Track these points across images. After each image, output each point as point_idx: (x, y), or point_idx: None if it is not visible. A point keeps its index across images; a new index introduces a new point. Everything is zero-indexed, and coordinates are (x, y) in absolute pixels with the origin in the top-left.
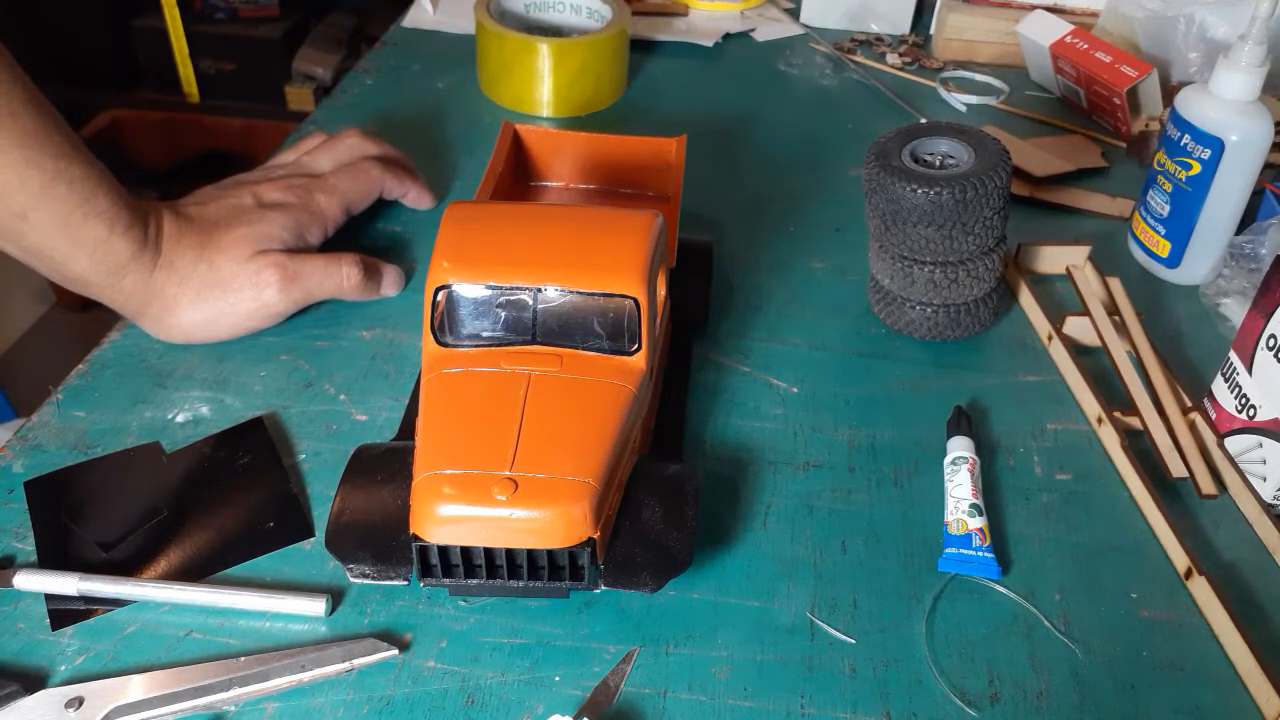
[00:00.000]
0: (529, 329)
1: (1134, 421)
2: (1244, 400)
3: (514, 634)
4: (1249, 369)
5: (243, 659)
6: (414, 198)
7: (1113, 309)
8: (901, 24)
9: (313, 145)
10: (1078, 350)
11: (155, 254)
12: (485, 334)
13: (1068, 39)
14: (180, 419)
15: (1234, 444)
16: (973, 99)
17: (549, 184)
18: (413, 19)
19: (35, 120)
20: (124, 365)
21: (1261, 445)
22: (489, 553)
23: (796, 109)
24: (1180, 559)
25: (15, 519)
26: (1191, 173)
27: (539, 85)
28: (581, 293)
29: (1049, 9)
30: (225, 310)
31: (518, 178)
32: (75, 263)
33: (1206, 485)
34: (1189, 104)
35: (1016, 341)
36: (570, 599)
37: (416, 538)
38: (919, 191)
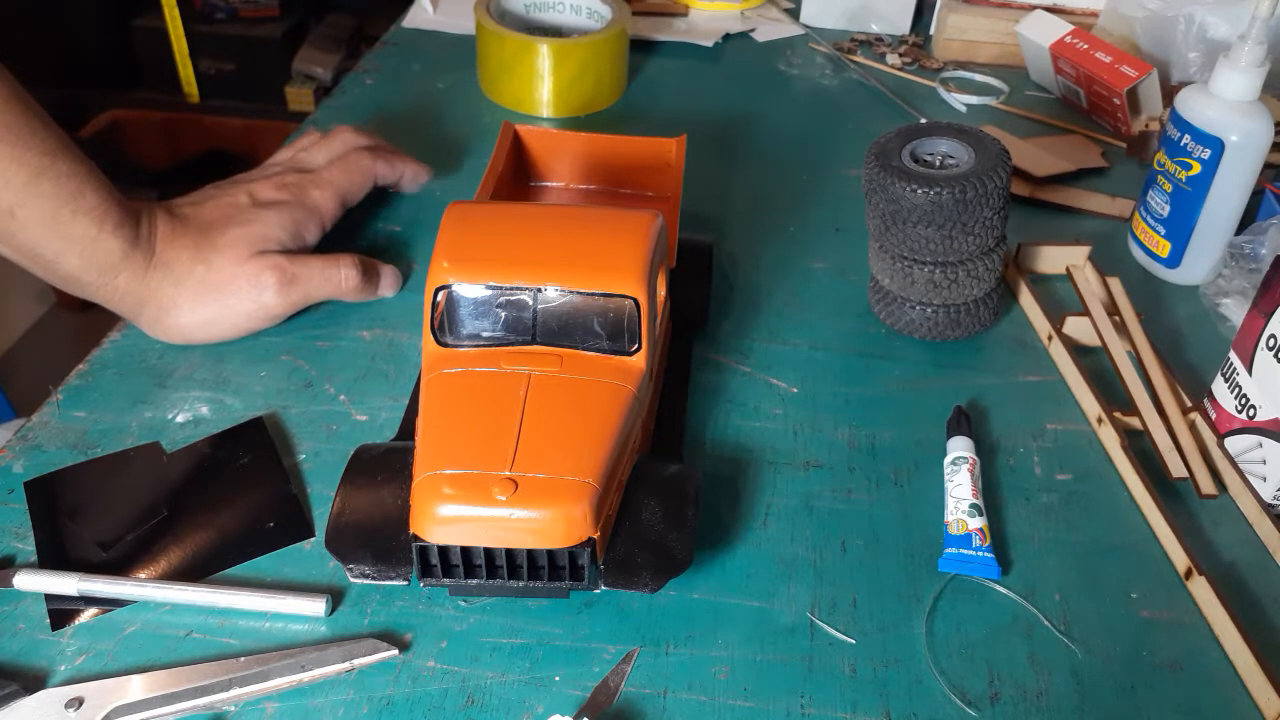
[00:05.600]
0: (529, 329)
1: (1134, 421)
2: (1244, 400)
3: (514, 634)
4: (1249, 369)
5: (243, 659)
6: (409, 179)
7: (1113, 309)
8: (901, 24)
9: (307, 143)
10: (1078, 350)
11: (149, 253)
12: (485, 334)
13: (1068, 39)
14: (180, 419)
15: (1234, 444)
16: (973, 99)
17: (549, 184)
18: (413, 19)
19: (18, 116)
20: (124, 365)
21: (1261, 445)
22: (489, 553)
23: (796, 109)
24: (1180, 559)
25: (15, 519)
26: (1191, 173)
27: (539, 85)
28: (581, 293)
29: (1049, 9)
30: (223, 312)
31: (518, 178)
32: (66, 261)
33: (1206, 485)
34: (1189, 104)
35: (1016, 341)
36: (570, 599)
37: (416, 538)
38: (919, 191)
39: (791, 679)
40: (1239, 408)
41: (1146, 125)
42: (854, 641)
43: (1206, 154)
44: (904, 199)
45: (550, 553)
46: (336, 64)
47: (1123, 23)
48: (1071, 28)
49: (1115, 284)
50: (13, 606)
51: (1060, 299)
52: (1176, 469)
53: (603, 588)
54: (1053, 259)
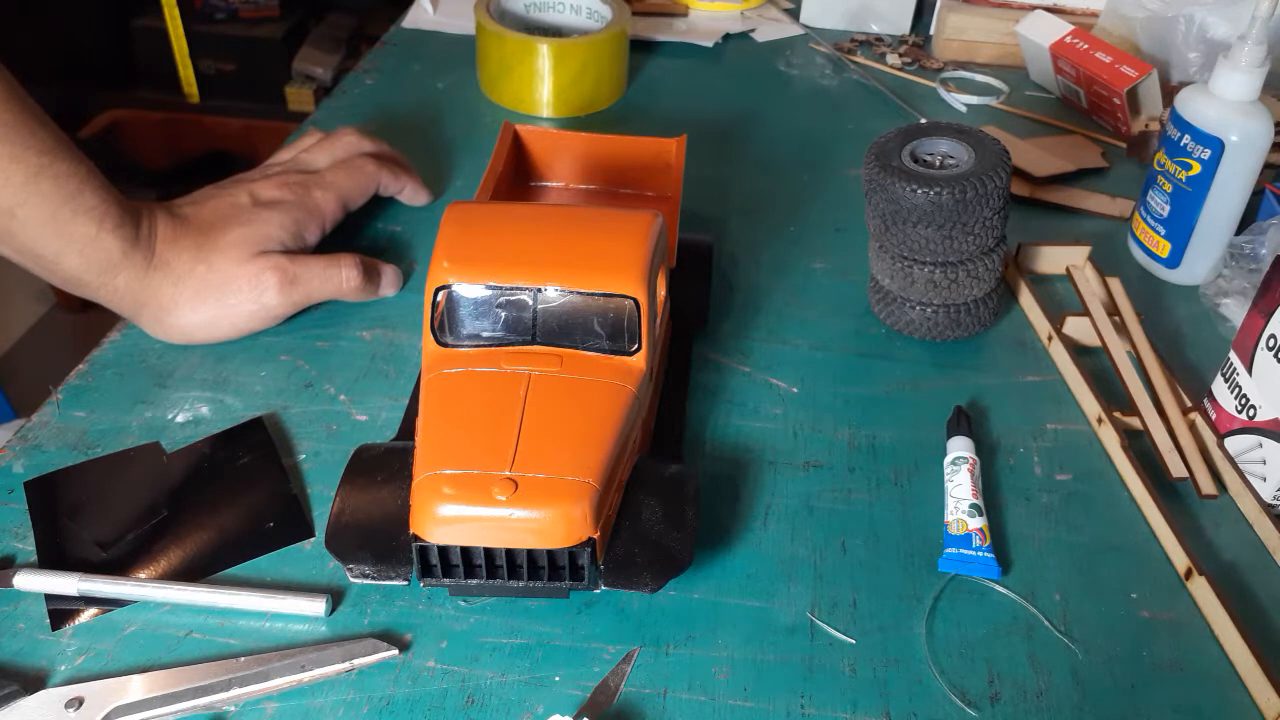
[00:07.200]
0: (529, 329)
1: (1134, 421)
2: (1244, 400)
3: (514, 634)
4: (1249, 369)
5: (243, 659)
6: (410, 193)
7: (1113, 309)
8: (901, 24)
9: (309, 143)
10: (1078, 350)
11: (149, 253)
12: (485, 334)
13: (1068, 39)
14: (180, 419)
15: (1234, 444)
16: (973, 99)
17: (549, 184)
18: (413, 19)
19: (16, 116)
20: (124, 365)
21: (1261, 445)
22: (489, 553)
23: (796, 109)
24: (1180, 559)
25: (15, 519)
26: (1191, 173)
27: (539, 85)
28: (581, 293)
29: (1049, 9)
30: (224, 312)
31: (518, 178)
32: (66, 261)
33: (1206, 485)
34: (1189, 104)
35: (1016, 341)
36: (570, 599)
37: (416, 538)
38: (919, 191)
39: (791, 679)
40: (1239, 408)
41: (1146, 125)
42: (854, 641)
43: (1206, 154)
44: (904, 199)
45: (550, 553)
46: (336, 64)
47: (1123, 23)
48: (1071, 28)
49: (1115, 284)
50: (13, 606)
51: (1060, 299)
52: (1176, 469)
53: (603, 588)
54: (1053, 259)
